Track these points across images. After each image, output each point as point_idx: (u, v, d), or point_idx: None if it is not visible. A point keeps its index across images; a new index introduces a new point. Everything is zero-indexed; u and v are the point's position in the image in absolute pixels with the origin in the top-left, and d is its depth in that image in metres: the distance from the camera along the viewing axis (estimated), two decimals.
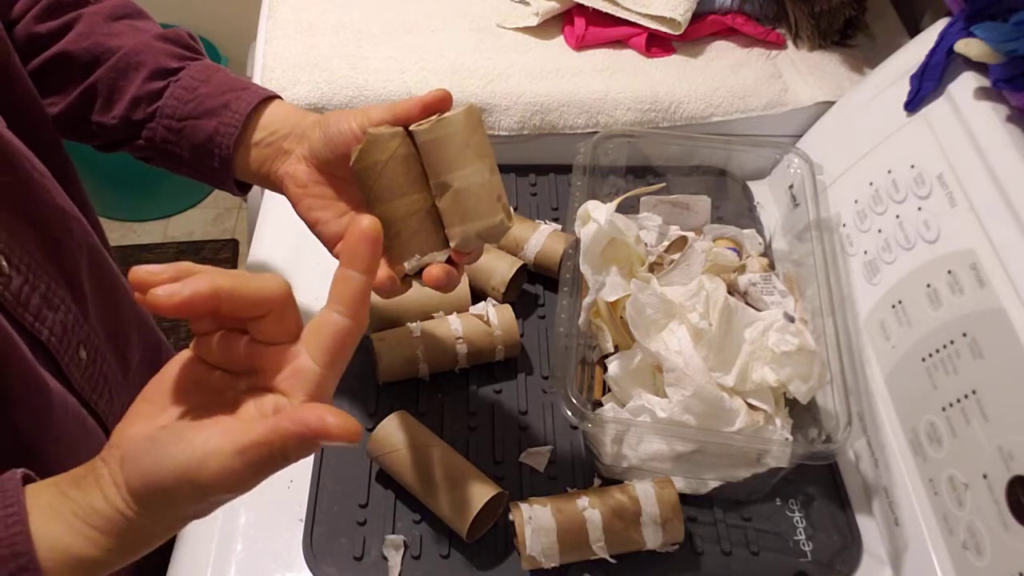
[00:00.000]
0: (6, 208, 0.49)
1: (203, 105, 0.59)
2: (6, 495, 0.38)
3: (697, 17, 0.94)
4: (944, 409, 0.62)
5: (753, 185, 0.91)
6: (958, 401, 0.61)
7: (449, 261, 0.53)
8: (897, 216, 0.73)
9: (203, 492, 0.37)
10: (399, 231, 0.52)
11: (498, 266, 0.76)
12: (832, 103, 0.90)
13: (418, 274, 0.54)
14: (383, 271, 0.52)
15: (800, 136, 0.91)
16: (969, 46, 0.69)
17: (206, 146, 0.59)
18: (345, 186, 0.56)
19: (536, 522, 0.60)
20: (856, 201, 0.79)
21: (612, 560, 0.61)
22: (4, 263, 0.48)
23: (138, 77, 0.60)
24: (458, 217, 0.52)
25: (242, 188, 0.63)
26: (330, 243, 0.56)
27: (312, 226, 0.57)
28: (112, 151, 0.64)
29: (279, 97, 0.61)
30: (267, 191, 0.79)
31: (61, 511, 0.38)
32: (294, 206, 0.57)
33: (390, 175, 0.51)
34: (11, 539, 0.37)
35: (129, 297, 0.63)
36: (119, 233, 1.99)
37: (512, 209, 0.53)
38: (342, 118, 0.54)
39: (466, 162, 0.51)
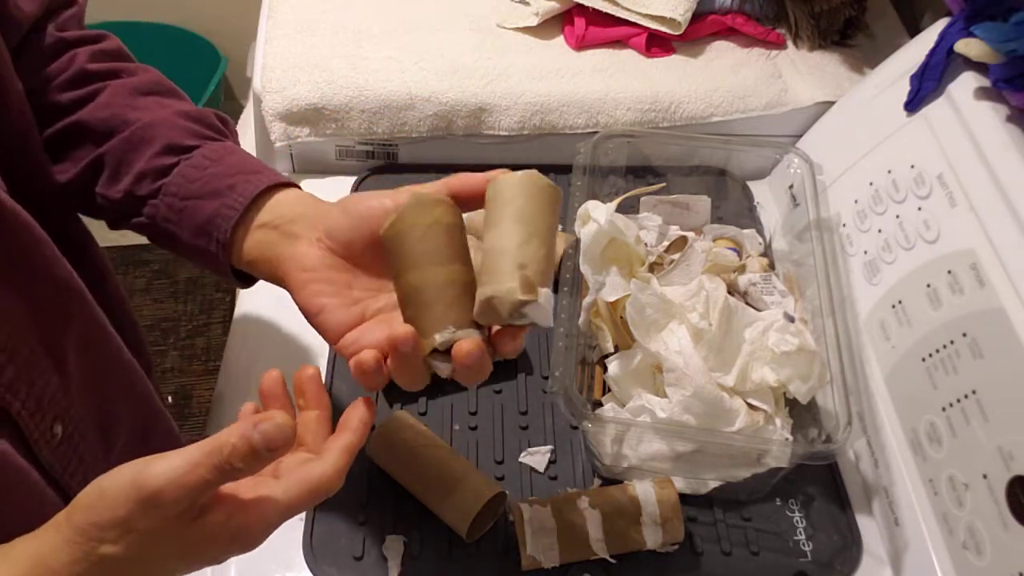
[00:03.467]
0: None
1: (209, 185, 0.55)
2: None
3: (697, 17, 0.94)
4: (944, 409, 0.62)
5: (753, 185, 0.91)
6: (958, 401, 0.61)
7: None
8: (897, 216, 0.73)
9: (148, 503, 0.39)
10: (434, 300, 0.46)
11: None
12: (832, 103, 0.90)
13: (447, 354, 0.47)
14: (406, 331, 0.46)
15: (800, 136, 0.91)
16: (969, 46, 0.69)
17: (205, 227, 0.55)
18: (360, 274, 0.52)
19: (536, 522, 0.60)
20: (856, 201, 0.79)
21: (612, 560, 0.61)
22: None
23: (149, 151, 0.57)
24: (480, 281, 0.46)
25: (242, 279, 0.58)
26: (333, 333, 0.51)
27: (314, 315, 0.51)
28: (118, 227, 0.61)
29: (296, 185, 0.57)
30: None
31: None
32: (295, 294, 0.52)
33: (431, 240, 0.47)
34: None
35: (125, 372, 0.60)
36: (119, 233, 1.99)
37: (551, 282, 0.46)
38: (371, 196, 0.51)
39: (499, 223, 0.46)
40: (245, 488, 0.44)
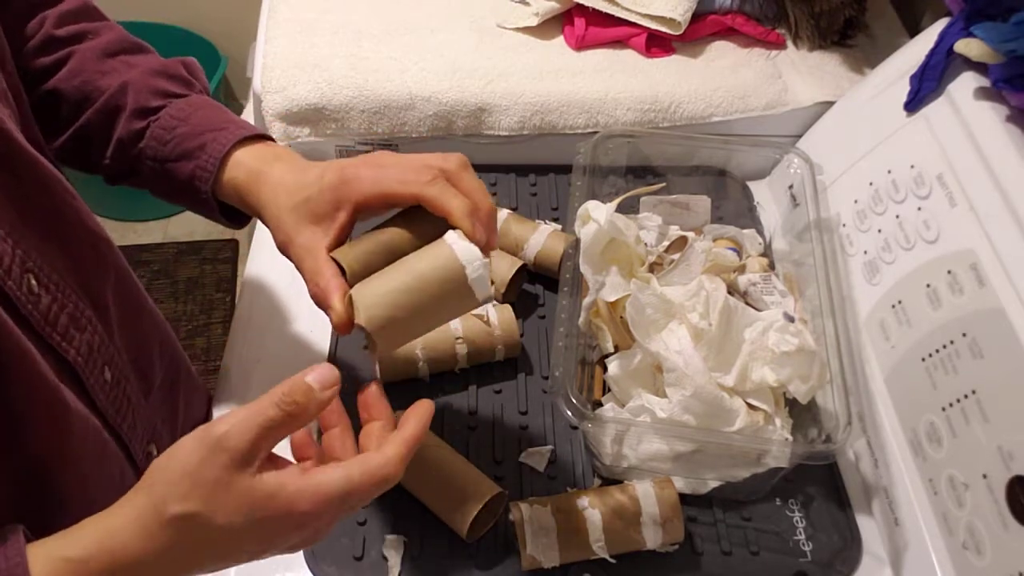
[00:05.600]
0: (38, 229, 0.49)
1: (180, 147, 0.59)
2: (7, 546, 0.40)
3: (697, 17, 0.94)
4: (944, 409, 0.62)
5: (753, 185, 0.91)
6: (958, 401, 0.61)
7: None
8: (897, 216, 0.73)
9: (216, 445, 0.41)
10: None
11: (498, 266, 0.76)
12: (832, 103, 0.90)
13: None
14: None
15: (800, 136, 0.91)
16: (969, 46, 0.69)
17: (187, 188, 0.59)
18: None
19: (536, 522, 0.60)
20: (856, 201, 0.79)
21: (612, 560, 0.62)
22: (34, 282, 0.48)
23: (121, 118, 0.60)
24: None
25: (241, 221, 0.63)
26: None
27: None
28: (118, 184, 0.64)
29: (260, 137, 0.60)
30: None
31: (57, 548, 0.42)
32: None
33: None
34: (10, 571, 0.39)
35: (153, 318, 0.64)
36: (119, 233, 1.99)
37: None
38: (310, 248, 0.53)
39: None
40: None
